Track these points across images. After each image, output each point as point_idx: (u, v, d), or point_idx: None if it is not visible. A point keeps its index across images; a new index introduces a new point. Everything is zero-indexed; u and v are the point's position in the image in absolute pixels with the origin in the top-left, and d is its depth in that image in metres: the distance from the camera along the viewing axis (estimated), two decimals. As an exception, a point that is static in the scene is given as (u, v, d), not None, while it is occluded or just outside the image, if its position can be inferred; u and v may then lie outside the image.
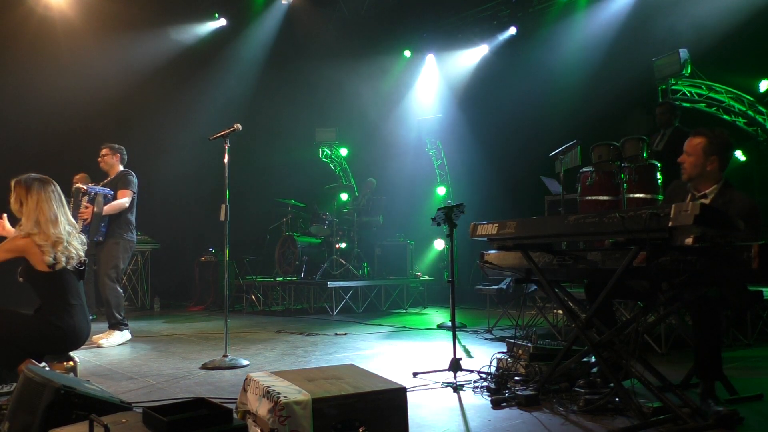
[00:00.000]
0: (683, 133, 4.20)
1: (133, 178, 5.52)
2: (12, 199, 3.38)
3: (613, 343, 2.80)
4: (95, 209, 5.14)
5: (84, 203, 5.15)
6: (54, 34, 8.42)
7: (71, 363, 3.40)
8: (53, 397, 2.18)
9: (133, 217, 5.55)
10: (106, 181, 5.60)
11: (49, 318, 3.26)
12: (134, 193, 5.51)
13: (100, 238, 5.27)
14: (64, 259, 3.31)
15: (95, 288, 7.35)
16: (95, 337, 5.07)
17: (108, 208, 5.26)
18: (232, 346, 4.51)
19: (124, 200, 5.38)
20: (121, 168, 5.64)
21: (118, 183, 5.46)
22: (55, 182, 3.49)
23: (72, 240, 3.40)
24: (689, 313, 3.89)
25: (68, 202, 5.18)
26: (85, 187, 5.21)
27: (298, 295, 8.45)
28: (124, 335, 5.30)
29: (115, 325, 5.28)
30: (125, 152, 5.72)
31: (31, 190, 3.34)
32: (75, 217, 5.12)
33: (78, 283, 3.45)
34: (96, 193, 5.19)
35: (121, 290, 5.44)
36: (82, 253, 3.45)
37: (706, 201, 3.10)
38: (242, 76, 10.15)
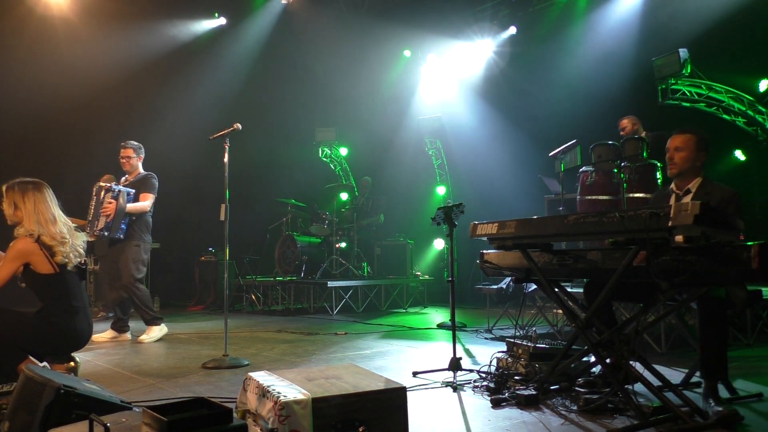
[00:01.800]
0: (661, 136, 4.18)
1: (156, 182, 5.55)
2: (5, 205, 3.35)
3: (613, 342, 2.79)
4: (118, 206, 5.17)
5: (107, 200, 5.17)
6: (53, 33, 8.41)
7: (72, 363, 3.40)
8: (53, 396, 2.18)
9: (150, 220, 5.59)
10: (127, 181, 5.61)
11: (50, 320, 3.26)
12: (155, 196, 5.54)
13: (121, 236, 5.27)
14: (72, 257, 3.33)
15: (97, 287, 7.37)
16: (141, 337, 5.31)
17: (131, 207, 5.29)
18: (232, 345, 4.51)
19: (146, 203, 5.41)
20: (141, 168, 5.65)
21: (141, 186, 5.47)
22: (47, 185, 3.48)
23: (75, 239, 3.41)
24: (689, 313, 3.90)
25: (89, 201, 5.26)
26: (107, 185, 5.26)
27: (298, 294, 8.45)
28: (162, 329, 5.43)
29: (152, 321, 5.37)
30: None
31: (26, 194, 3.34)
32: (98, 213, 5.16)
33: (80, 283, 3.45)
34: (119, 191, 5.23)
35: (146, 288, 5.54)
36: (83, 251, 3.46)
37: (690, 195, 3.25)
38: (242, 75, 10.13)
